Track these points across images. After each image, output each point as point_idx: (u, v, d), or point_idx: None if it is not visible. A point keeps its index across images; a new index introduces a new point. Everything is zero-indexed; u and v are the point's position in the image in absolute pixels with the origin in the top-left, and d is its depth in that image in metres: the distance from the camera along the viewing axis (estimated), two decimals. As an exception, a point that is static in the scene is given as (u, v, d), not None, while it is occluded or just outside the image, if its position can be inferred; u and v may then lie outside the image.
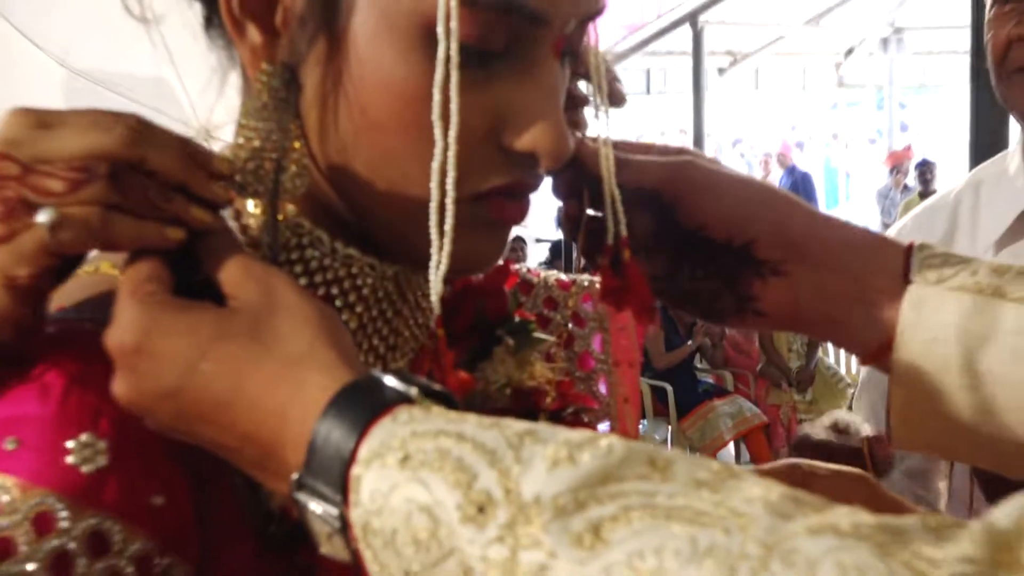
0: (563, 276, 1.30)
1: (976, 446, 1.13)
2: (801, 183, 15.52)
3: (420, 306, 1.08)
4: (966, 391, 1.10)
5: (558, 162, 0.98)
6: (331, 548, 0.85)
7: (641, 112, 17.13)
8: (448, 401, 0.86)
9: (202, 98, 3.49)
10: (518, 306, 1.21)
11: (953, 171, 12.77)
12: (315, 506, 0.83)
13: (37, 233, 0.85)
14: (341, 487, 0.82)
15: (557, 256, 10.90)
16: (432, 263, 0.96)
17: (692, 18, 13.45)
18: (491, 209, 0.99)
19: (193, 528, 0.93)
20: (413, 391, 0.85)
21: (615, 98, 1.15)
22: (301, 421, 0.85)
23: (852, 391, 7.56)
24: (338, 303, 1.04)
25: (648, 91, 17.62)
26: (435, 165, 0.93)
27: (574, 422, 1.16)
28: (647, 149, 1.17)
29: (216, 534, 0.95)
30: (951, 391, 1.11)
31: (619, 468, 0.78)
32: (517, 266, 1.27)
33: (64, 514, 0.87)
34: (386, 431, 0.82)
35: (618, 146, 1.14)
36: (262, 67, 0.98)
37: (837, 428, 1.77)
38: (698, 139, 14.03)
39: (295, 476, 0.84)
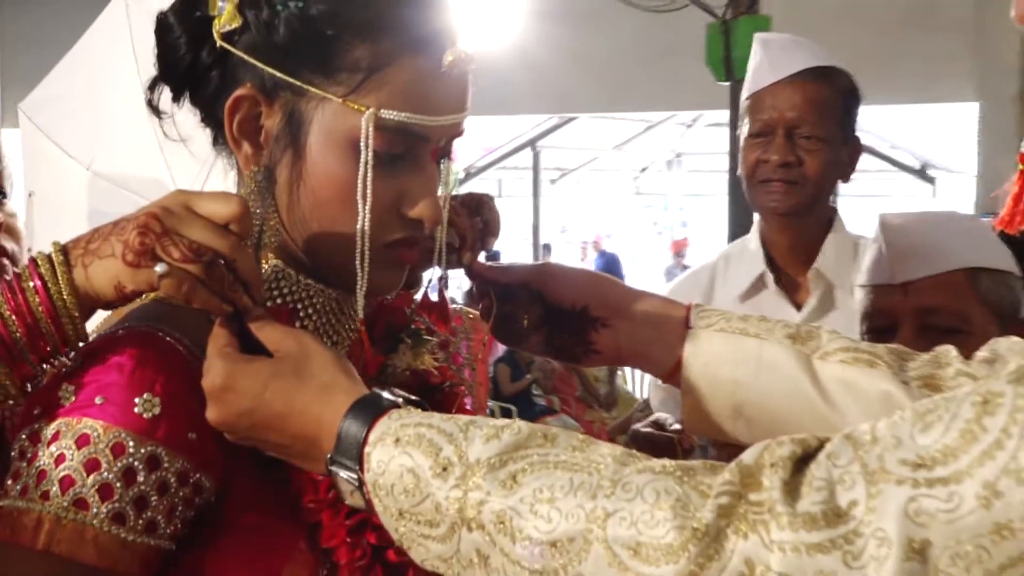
0: None
1: (736, 434, 1.20)
2: (611, 263, 15.55)
3: (352, 317, 1.13)
4: (728, 397, 1.19)
5: (434, 224, 1.08)
6: (352, 500, 0.94)
7: (503, 213, 16.98)
8: (421, 405, 0.96)
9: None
10: (414, 321, 1.25)
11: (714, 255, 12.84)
12: (342, 474, 0.93)
13: (151, 274, 0.92)
14: (358, 461, 0.91)
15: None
16: (358, 287, 1.05)
17: (532, 143, 13.41)
18: (395, 254, 1.08)
19: (218, 455, 0.99)
20: (400, 400, 0.95)
21: (493, 229, 1.26)
22: (331, 423, 0.94)
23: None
24: (301, 315, 1.10)
25: (500, 195, 17.58)
26: (359, 227, 1.03)
27: (449, 392, 1.22)
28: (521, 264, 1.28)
29: (233, 458, 1.00)
30: (719, 398, 1.19)
31: (526, 440, 0.87)
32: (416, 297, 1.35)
33: (131, 444, 0.94)
34: (384, 425, 0.92)
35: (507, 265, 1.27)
36: (251, 168, 1.06)
37: (657, 424, 1.82)
38: (536, 230, 14.01)
39: (329, 456, 0.93)
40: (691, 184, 17.59)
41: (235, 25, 1.03)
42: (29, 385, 1.00)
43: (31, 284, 0.95)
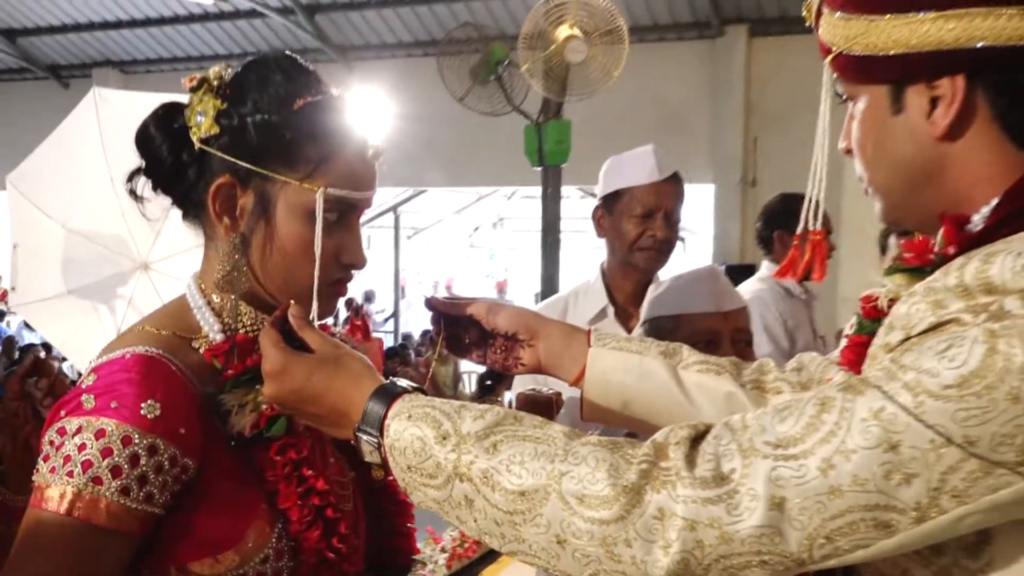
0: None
1: (624, 421, 1.22)
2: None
3: None
4: (617, 395, 1.19)
5: (362, 268, 1.11)
6: (371, 457, 0.95)
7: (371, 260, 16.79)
8: (423, 392, 0.97)
9: (142, 245, 3.45)
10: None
11: (527, 294, 13.21)
12: (366, 438, 0.94)
13: None
14: (379, 430, 0.93)
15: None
16: (313, 315, 1.07)
17: (394, 208, 13.29)
18: (336, 289, 1.11)
19: (200, 443, 1.00)
20: (410, 388, 0.97)
21: None
22: (360, 402, 0.95)
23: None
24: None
25: (369, 247, 17.30)
26: (315, 271, 1.05)
27: None
28: (466, 297, 1.29)
29: (210, 443, 1.01)
30: (611, 396, 1.20)
31: (502, 420, 0.89)
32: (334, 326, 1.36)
33: (137, 436, 0.95)
34: (399, 405, 0.93)
35: (457, 296, 1.28)
36: (231, 235, 1.06)
37: (535, 390, 1.82)
38: (396, 274, 13.84)
39: (357, 425, 0.95)
40: (511, 241, 17.75)
41: (214, 132, 1.04)
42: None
43: None
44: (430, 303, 1.27)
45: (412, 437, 0.90)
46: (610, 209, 2.18)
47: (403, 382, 0.98)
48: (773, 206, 3.17)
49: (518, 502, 0.83)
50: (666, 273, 2.15)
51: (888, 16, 0.86)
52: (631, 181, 2.14)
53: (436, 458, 0.88)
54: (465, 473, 0.86)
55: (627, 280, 2.20)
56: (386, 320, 14.06)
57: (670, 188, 2.12)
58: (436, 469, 0.88)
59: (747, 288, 2.96)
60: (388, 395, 0.95)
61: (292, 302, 1.05)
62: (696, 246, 12.24)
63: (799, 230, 1.03)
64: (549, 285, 4.96)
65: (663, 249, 2.13)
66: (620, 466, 0.81)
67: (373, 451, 0.94)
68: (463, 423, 0.89)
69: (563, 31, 3.66)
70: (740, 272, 7.67)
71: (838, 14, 0.91)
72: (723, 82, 9.47)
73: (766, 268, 3.12)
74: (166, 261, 3.40)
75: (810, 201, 1.01)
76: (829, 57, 0.94)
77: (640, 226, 2.12)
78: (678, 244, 2.22)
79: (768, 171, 9.11)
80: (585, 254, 13.94)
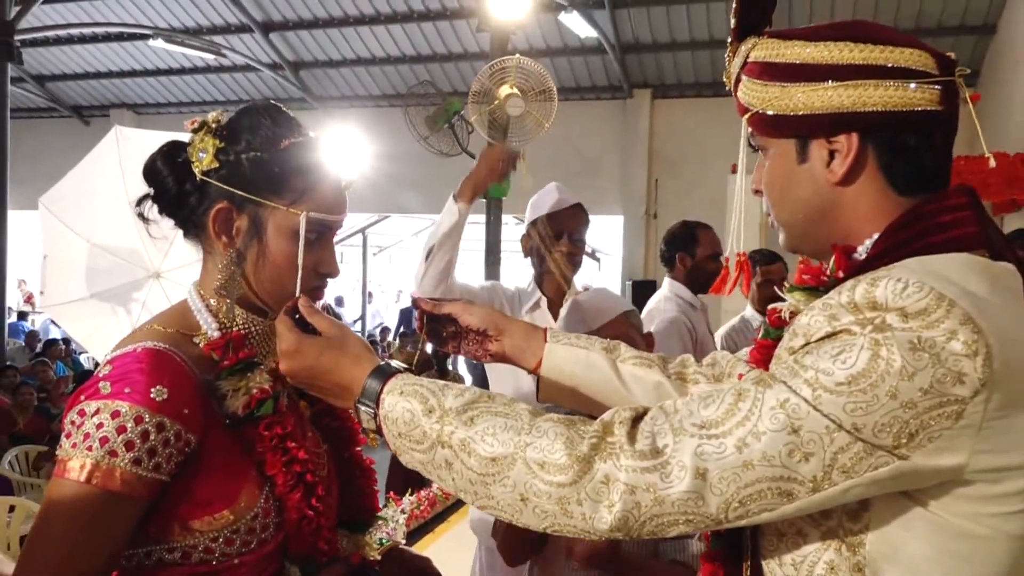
0: None
1: (573, 402, 1.19)
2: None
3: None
4: (568, 381, 1.18)
5: (336, 277, 1.09)
6: (368, 425, 0.92)
7: (343, 272, 16.56)
8: (414, 373, 0.95)
9: (155, 258, 3.36)
10: None
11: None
12: (364, 409, 0.92)
13: None
14: (376, 402, 0.91)
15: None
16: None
17: (363, 230, 13.21)
18: (313, 294, 1.08)
19: (201, 421, 0.97)
20: (403, 368, 0.95)
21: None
22: (360, 379, 0.93)
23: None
24: (249, 336, 1.08)
25: (342, 262, 17.07)
26: (298, 280, 1.04)
27: None
28: (446, 299, 1.25)
29: (209, 421, 0.99)
30: (563, 382, 1.18)
31: (478, 398, 0.87)
32: None
33: (147, 416, 0.92)
34: (393, 382, 0.91)
35: (438, 297, 1.24)
36: (228, 251, 1.04)
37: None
38: (364, 284, 13.71)
39: (357, 398, 0.93)
40: (459, 258, 17.68)
41: (214, 166, 1.03)
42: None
43: None
44: (416, 303, 1.24)
45: (403, 410, 0.89)
46: (530, 233, 2.31)
47: (396, 363, 0.97)
48: (675, 231, 3.19)
49: (489, 466, 0.83)
50: (579, 278, 2.28)
51: (799, 84, 0.89)
52: (543, 211, 2.27)
53: (423, 428, 0.87)
54: (447, 441, 0.85)
55: (548, 284, 2.31)
56: (355, 321, 13.91)
57: (572, 214, 2.26)
58: (423, 436, 0.87)
59: (660, 307, 2.97)
60: (384, 374, 0.94)
61: (301, 294, 1.03)
62: (609, 266, 12.39)
63: (726, 254, 1.06)
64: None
65: (570, 261, 2.25)
66: (574, 439, 0.81)
67: (370, 420, 0.93)
68: (446, 399, 0.88)
69: (505, 90, 3.68)
70: (645, 287, 7.82)
71: (756, 81, 0.93)
72: (631, 134, 9.65)
73: (668, 285, 3.13)
74: (175, 271, 3.36)
75: (734, 230, 1.03)
76: (747, 115, 0.95)
77: (551, 244, 2.25)
78: (595, 263, 2.29)
79: (666, 206, 9.32)
80: (520, 270, 14.02)
